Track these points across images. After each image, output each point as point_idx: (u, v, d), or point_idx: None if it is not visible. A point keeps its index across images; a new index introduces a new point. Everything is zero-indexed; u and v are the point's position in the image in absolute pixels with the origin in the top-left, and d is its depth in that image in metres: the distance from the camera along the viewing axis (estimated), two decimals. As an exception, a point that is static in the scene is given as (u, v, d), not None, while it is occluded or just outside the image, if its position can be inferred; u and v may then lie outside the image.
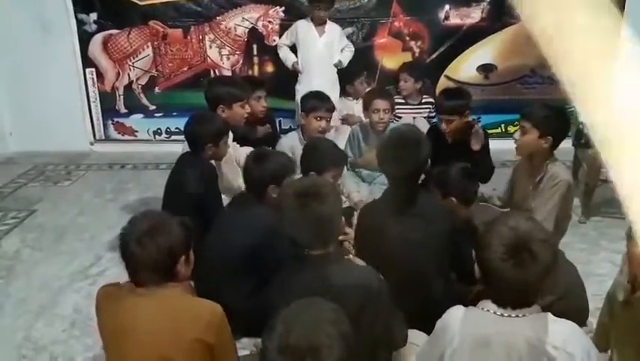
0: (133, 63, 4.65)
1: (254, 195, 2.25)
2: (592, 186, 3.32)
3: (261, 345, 1.14)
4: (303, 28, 3.98)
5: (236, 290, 2.12)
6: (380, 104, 3.23)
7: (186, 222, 1.63)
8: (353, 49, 4.15)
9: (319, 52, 3.96)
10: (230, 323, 1.67)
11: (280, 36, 4.34)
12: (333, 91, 3.93)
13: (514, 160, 2.80)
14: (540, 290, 1.39)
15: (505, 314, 1.36)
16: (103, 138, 4.87)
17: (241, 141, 3.12)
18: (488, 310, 1.38)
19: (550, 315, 1.38)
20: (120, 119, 4.82)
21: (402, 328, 1.74)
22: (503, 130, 4.65)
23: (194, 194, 2.53)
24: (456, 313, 1.44)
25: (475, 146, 2.91)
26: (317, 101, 3.11)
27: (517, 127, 2.56)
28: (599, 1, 0.70)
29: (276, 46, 4.33)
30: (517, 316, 1.35)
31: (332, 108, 3.17)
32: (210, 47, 4.58)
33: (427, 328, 1.59)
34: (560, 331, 1.34)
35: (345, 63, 4.08)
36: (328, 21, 4.00)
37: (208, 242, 2.19)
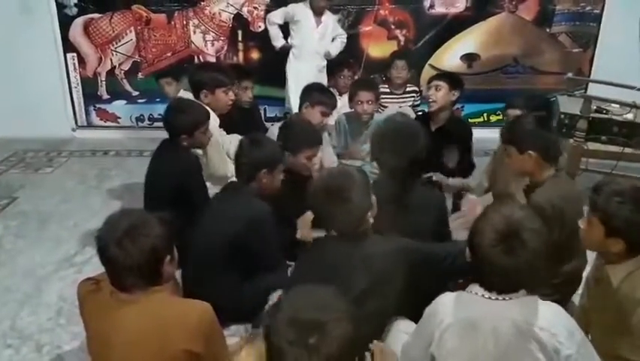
0: (115, 48, 4.57)
1: (244, 180, 2.28)
2: (572, 174, 3.39)
3: (262, 322, 1.17)
4: (302, 14, 3.96)
5: (224, 279, 2.14)
6: (364, 95, 3.26)
7: (166, 218, 1.55)
8: (345, 40, 4.15)
9: (314, 41, 3.97)
10: (219, 311, 1.68)
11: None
12: (320, 77, 3.95)
13: (496, 150, 2.85)
14: (530, 277, 1.42)
15: (493, 297, 1.41)
16: (85, 124, 4.79)
17: (223, 126, 3.10)
18: (476, 294, 1.43)
19: (536, 298, 1.43)
20: (102, 106, 4.74)
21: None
22: (486, 119, 4.71)
23: (176, 185, 2.52)
24: (445, 298, 1.49)
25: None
26: (325, 96, 3.09)
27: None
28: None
29: (262, 31, 4.30)
30: (504, 299, 1.40)
31: (336, 107, 3.18)
32: (194, 32, 4.52)
33: (417, 318, 1.63)
34: (545, 313, 1.40)
35: (333, 54, 4.10)
36: (326, 10, 3.99)
37: (197, 232, 2.20)
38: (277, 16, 4.09)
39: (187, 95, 3.74)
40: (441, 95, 3.00)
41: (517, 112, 2.51)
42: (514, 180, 2.50)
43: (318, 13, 3.95)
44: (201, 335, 1.48)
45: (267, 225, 2.16)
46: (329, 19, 4.03)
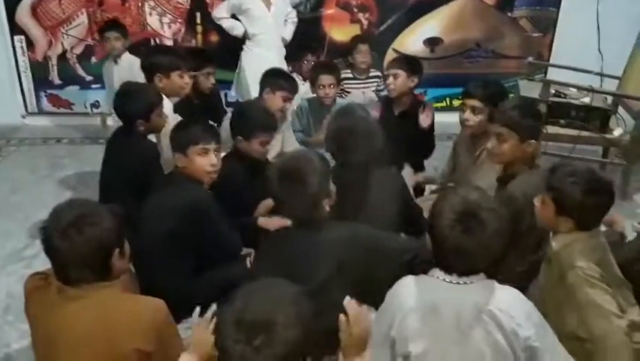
0: (67, 31, 4.35)
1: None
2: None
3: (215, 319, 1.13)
4: (250, 3, 3.80)
5: (175, 271, 2.06)
6: (325, 79, 3.23)
7: (117, 210, 1.49)
8: (296, 19, 4.05)
9: (269, 25, 3.84)
10: (176, 304, 1.62)
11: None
12: (281, 63, 3.85)
13: (458, 134, 2.84)
14: (489, 259, 1.42)
15: (454, 281, 1.40)
16: (36, 111, 4.57)
17: (182, 110, 3.00)
18: (438, 278, 1.42)
19: (495, 282, 1.43)
20: (54, 91, 4.53)
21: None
22: (448, 104, 4.73)
23: (135, 174, 2.43)
24: (405, 281, 1.48)
25: (424, 122, 2.95)
26: (287, 82, 2.99)
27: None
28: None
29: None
30: (465, 283, 1.40)
31: (297, 92, 3.09)
32: (150, 14, 4.34)
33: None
34: (503, 296, 1.41)
35: (289, 38, 4.00)
36: None
37: (140, 224, 2.10)
38: (221, 11, 3.94)
39: (131, 57, 3.54)
40: (399, 82, 2.98)
41: (476, 103, 2.44)
42: (472, 168, 2.50)
43: None
44: (153, 333, 1.43)
45: (208, 212, 2.07)
46: None
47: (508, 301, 1.40)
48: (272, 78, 3.00)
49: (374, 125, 2.17)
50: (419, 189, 3.02)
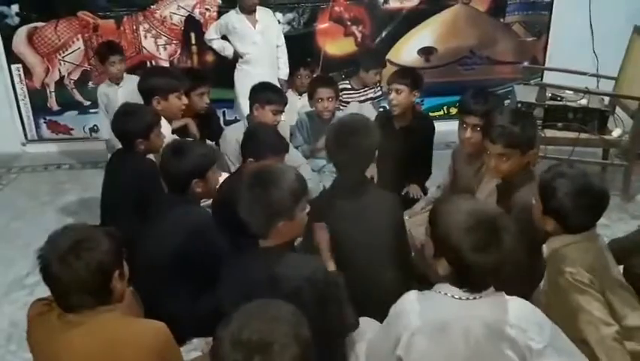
0: (63, 57, 4.38)
1: (176, 192, 2.15)
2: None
3: (212, 341, 1.12)
4: (236, 22, 3.85)
5: (178, 293, 2.05)
6: (323, 93, 3.23)
7: (113, 232, 1.49)
8: (285, 49, 4.06)
9: (257, 42, 3.87)
10: (179, 326, 1.61)
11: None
12: (272, 80, 3.87)
13: (454, 147, 2.81)
14: (505, 273, 1.39)
15: (463, 297, 1.37)
16: (35, 138, 4.59)
17: (180, 133, 3.01)
18: (446, 294, 1.39)
19: (503, 294, 1.40)
20: (53, 117, 4.55)
21: (352, 313, 1.74)
22: (446, 112, 4.73)
23: (137, 193, 2.43)
24: (411, 298, 1.44)
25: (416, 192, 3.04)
26: (274, 94, 2.99)
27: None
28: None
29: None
30: (474, 298, 1.37)
31: (287, 102, 3.09)
32: (145, 37, 4.38)
33: (379, 315, 1.59)
34: (514, 309, 1.38)
35: (285, 77, 4.05)
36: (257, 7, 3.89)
37: (142, 245, 2.08)
38: (211, 33, 4.00)
39: (131, 78, 3.53)
40: (402, 98, 2.96)
41: (477, 120, 2.32)
42: (475, 180, 2.48)
43: (249, 12, 3.83)
44: (156, 356, 1.42)
45: (208, 233, 2.05)
46: (265, 15, 3.93)
47: (518, 315, 1.36)
48: (259, 93, 2.99)
49: (371, 123, 2.16)
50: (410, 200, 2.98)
